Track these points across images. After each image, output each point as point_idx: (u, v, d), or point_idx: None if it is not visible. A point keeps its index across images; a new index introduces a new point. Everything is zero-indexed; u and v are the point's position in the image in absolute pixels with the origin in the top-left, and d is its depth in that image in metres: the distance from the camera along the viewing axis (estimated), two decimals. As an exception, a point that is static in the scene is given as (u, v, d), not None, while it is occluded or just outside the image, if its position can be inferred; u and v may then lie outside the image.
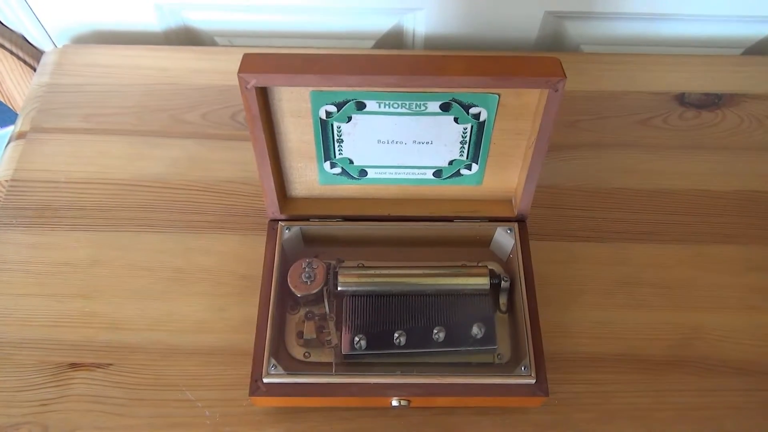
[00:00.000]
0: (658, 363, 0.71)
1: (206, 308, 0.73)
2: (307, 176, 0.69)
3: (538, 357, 0.66)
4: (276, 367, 0.65)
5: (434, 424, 0.70)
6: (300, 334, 0.66)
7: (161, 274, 0.76)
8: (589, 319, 0.73)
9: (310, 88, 0.62)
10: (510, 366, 0.65)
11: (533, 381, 0.65)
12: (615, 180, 0.84)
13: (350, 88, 0.61)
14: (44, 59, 1.00)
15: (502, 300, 0.72)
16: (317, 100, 0.64)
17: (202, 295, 0.74)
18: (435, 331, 0.65)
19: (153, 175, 0.83)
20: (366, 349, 0.64)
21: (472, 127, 0.64)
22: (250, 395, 0.65)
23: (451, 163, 0.67)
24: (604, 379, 0.69)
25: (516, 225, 0.72)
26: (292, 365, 0.65)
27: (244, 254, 0.77)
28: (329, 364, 0.65)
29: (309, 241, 0.72)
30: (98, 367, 0.71)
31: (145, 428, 0.69)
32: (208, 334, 0.71)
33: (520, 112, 0.65)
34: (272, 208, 0.74)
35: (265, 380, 0.64)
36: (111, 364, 0.70)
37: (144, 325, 0.72)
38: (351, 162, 0.67)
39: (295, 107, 0.64)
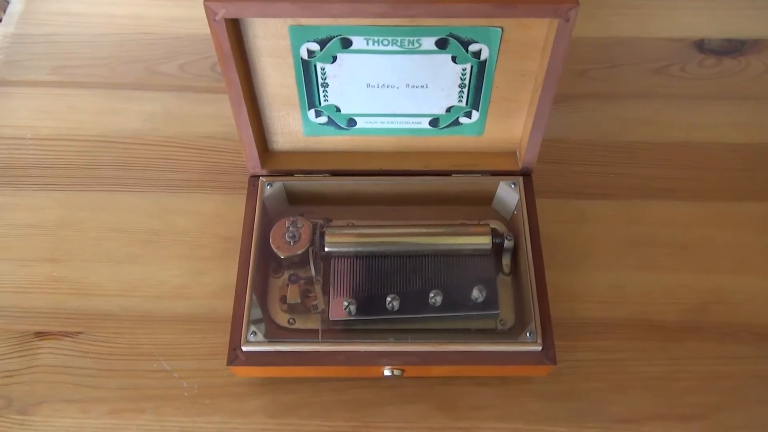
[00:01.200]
0: (674, 329, 0.66)
1: (184, 272, 0.69)
2: (290, 126, 0.63)
3: (544, 322, 0.60)
4: (256, 334, 0.59)
5: (430, 395, 0.64)
6: (284, 299, 0.61)
7: (136, 237, 0.71)
8: (599, 283, 0.68)
9: (288, 21, 0.55)
10: (514, 332, 0.61)
11: (539, 348, 0.59)
12: (627, 133, 0.78)
13: (334, 21, 0.54)
14: (10, 8, 0.93)
15: (506, 261, 0.66)
16: (297, 37, 0.57)
17: (180, 258, 0.69)
18: (431, 294, 0.60)
19: (127, 131, 0.79)
20: (356, 314, 0.60)
21: (471, 67, 0.57)
22: (228, 364, 0.59)
23: (448, 110, 0.61)
24: (616, 346, 0.65)
25: (520, 179, 0.66)
26: (275, 332, 0.60)
27: (226, 215, 0.72)
28: (315, 331, 0.61)
29: (293, 198, 0.67)
30: (67, 336, 0.66)
31: (117, 400, 0.64)
32: (186, 300, 0.67)
33: (525, 48, 0.58)
34: (252, 162, 0.67)
35: (244, 348, 0.59)
36: (80, 333, 0.66)
37: (117, 290, 0.68)
38: (338, 110, 0.61)
39: (273, 45, 0.57)
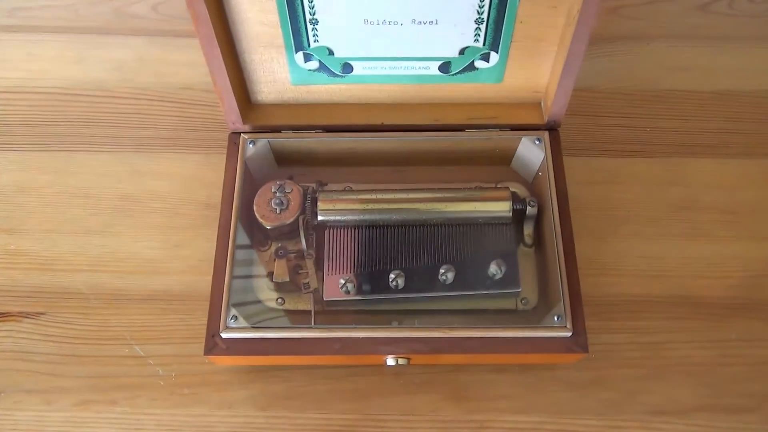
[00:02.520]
0: (722, 307, 0.59)
1: (160, 244, 0.62)
2: (275, 73, 0.56)
3: (574, 303, 0.51)
4: (237, 318, 0.51)
5: (440, 384, 0.57)
6: (271, 276, 0.55)
7: (104, 203, 0.64)
8: (634, 253, 0.61)
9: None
10: (538, 314, 0.54)
11: (569, 334, 0.50)
12: (666, 80, 0.70)
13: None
14: (-41, -58, 0.81)
15: (527, 230, 0.57)
16: (278, -40, 0.46)
17: (155, 228, 0.63)
18: (442, 270, 0.53)
19: (93, 82, 0.71)
20: (354, 294, 0.53)
21: (491, -3, 0.47)
22: (205, 353, 0.51)
23: (462, 52, 0.52)
24: (653, 327, 0.58)
25: (546, 134, 0.57)
26: (260, 315, 0.54)
27: (208, 178, 0.65)
28: (307, 313, 0.54)
29: (281, 158, 0.61)
30: (27, 317, 0.59)
31: (85, 391, 0.57)
32: (163, 275, 0.61)
33: (558, -27, 0.47)
34: (231, 117, 0.58)
35: (223, 335, 0.51)
36: (42, 313, 0.59)
37: (83, 265, 0.61)
38: (330, 52, 0.51)
39: (249, -30, 0.47)
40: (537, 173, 0.59)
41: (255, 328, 0.51)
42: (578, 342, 0.51)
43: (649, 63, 0.71)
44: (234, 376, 0.57)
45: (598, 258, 0.62)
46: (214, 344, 0.51)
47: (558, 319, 0.51)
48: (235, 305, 0.52)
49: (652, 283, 0.60)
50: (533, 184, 0.61)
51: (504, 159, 0.62)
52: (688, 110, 0.69)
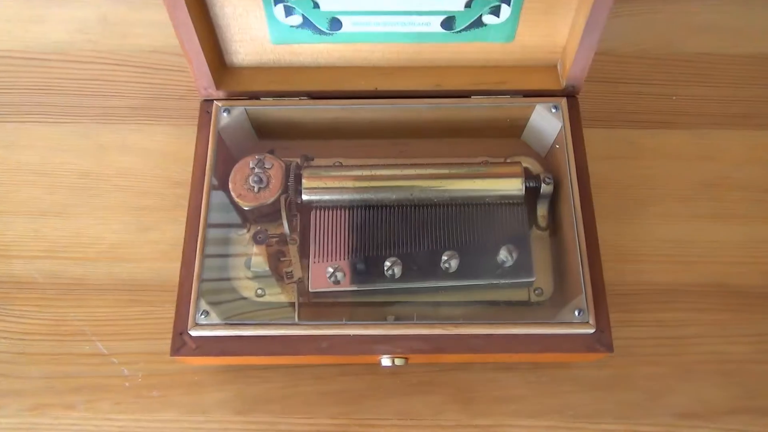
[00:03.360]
0: (757, 296, 0.54)
1: (125, 227, 0.57)
2: (252, 30, 0.50)
3: (597, 295, 0.45)
4: (208, 314, 0.44)
5: (442, 384, 0.52)
6: (249, 264, 0.50)
7: (62, 181, 0.59)
8: (659, 237, 0.56)
9: None
10: (554, 306, 0.49)
11: (591, 330, 0.44)
12: (694, 42, 0.64)
13: None
14: None
15: (542, 211, 0.51)
16: None
17: (120, 209, 0.58)
18: (444, 257, 0.48)
19: (51, 45, 0.64)
20: (344, 284, 0.48)
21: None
22: (172, 354, 0.45)
23: (468, 4, 0.48)
24: (681, 319, 0.53)
25: (564, 101, 0.50)
26: (236, 309, 0.48)
27: (179, 152, 0.60)
28: (291, 306, 0.49)
29: (261, 130, 0.55)
30: None
31: (42, 393, 0.51)
32: (128, 262, 0.55)
33: None
34: (203, 82, 0.50)
35: (192, 333, 0.44)
36: None
37: (38, 251, 0.56)
38: (316, 5, 0.46)
39: None
40: (553, 146, 0.52)
41: (229, 324, 0.44)
42: (602, 340, 0.45)
43: (675, 23, 0.65)
44: (208, 376, 0.52)
45: (618, 242, 0.56)
46: (182, 343, 0.45)
47: (579, 313, 0.44)
48: (206, 298, 0.45)
49: (680, 270, 0.55)
50: (548, 159, 0.54)
51: (515, 130, 0.55)
52: (719, 76, 0.63)
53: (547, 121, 0.52)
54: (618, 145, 0.60)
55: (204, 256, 0.46)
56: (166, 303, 0.53)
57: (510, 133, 0.55)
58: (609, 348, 0.45)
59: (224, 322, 0.44)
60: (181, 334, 0.45)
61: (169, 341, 0.47)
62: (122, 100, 0.62)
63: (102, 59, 0.64)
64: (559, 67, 0.53)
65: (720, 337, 0.53)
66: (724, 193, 0.58)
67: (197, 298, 0.45)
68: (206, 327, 0.44)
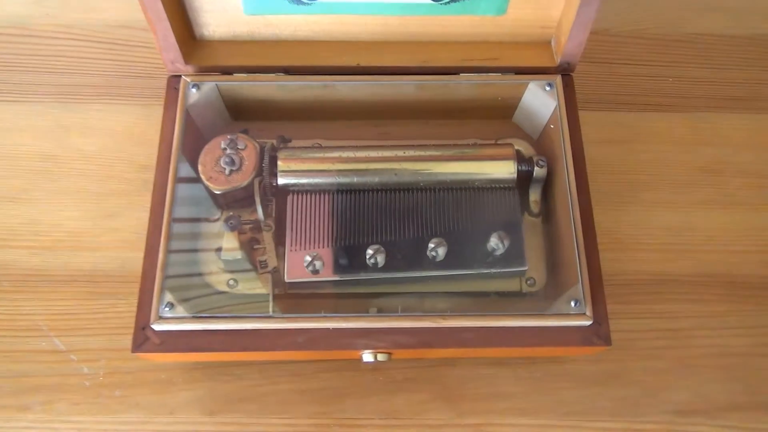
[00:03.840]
0: (760, 287, 0.52)
1: (87, 214, 0.53)
2: (225, 0, 0.45)
3: (594, 285, 0.42)
4: (173, 306, 0.40)
5: (428, 381, 0.49)
6: (220, 252, 0.46)
7: (19, 164, 0.55)
8: (657, 224, 0.54)
9: None
10: (547, 297, 0.46)
11: (588, 322, 0.41)
12: (693, 22, 0.62)
13: None
14: None
15: (534, 196, 0.48)
16: None
17: (82, 194, 0.54)
18: (431, 245, 0.45)
19: (9, 17, 0.60)
20: (323, 274, 0.45)
21: None
22: (134, 350, 0.41)
23: None
24: (680, 311, 0.51)
25: (558, 79, 0.46)
26: (206, 301, 0.45)
27: (146, 134, 0.57)
28: (265, 298, 0.45)
29: (235, 109, 0.51)
30: None
31: None
32: (90, 251, 0.52)
33: None
34: (170, 55, 0.46)
35: (156, 327, 0.40)
36: None
37: None
38: None
39: None
40: (547, 126, 0.49)
41: (197, 318, 0.41)
42: (599, 333, 0.42)
43: (674, 2, 0.63)
44: (177, 374, 0.49)
45: (615, 229, 0.54)
46: (144, 338, 0.41)
47: (575, 304, 0.41)
48: (172, 290, 0.41)
49: (678, 259, 0.53)
50: (540, 142, 0.51)
51: (505, 110, 0.52)
52: (719, 58, 0.61)
53: (540, 100, 0.49)
54: (613, 128, 0.57)
55: (169, 243, 0.43)
56: (130, 295, 0.50)
57: (500, 114, 0.52)
58: (607, 341, 0.42)
59: (191, 315, 0.41)
60: (143, 328, 0.41)
61: (132, 333, 0.43)
62: (85, 78, 0.58)
63: (63, 34, 0.60)
64: (553, 43, 0.49)
65: (720, 329, 0.50)
66: (724, 179, 0.55)
67: (161, 289, 0.41)
68: (171, 320, 0.40)
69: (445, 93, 0.50)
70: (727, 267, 0.52)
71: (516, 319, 0.41)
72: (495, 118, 0.52)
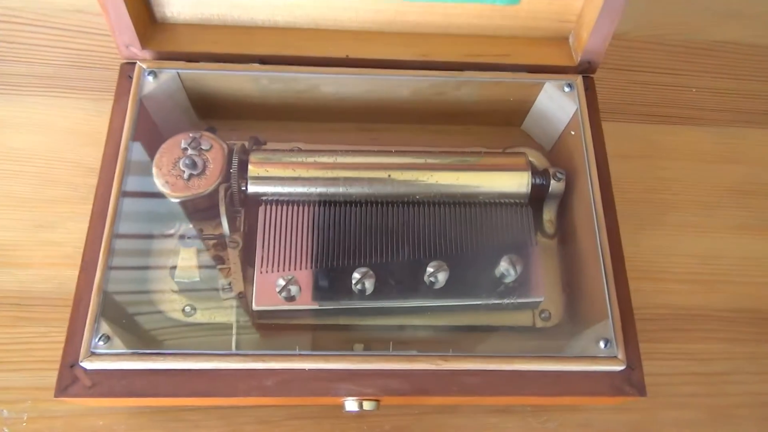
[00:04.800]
0: None
1: (18, 224, 0.46)
2: None
3: (626, 322, 0.35)
4: (109, 339, 0.32)
5: (422, 430, 0.41)
6: (174, 273, 0.38)
7: None
8: (683, 250, 0.48)
9: None
10: (563, 334, 0.39)
11: (621, 367, 0.34)
12: (716, 29, 0.57)
13: None
14: None
15: (548, 215, 0.41)
16: None
17: (14, 200, 0.47)
18: (429, 269, 0.38)
19: None
20: (299, 301, 0.38)
21: None
22: (57, 394, 0.33)
23: None
24: (712, 351, 0.45)
25: (579, 79, 0.39)
26: (154, 333, 0.36)
27: (96, 132, 0.49)
28: (227, 329, 0.37)
29: (201, 105, 0.45)
30: None
31: None
32: (19, 268, 0.44)
33: None
34: (124, 37, 0.40)
35: (86, 365, 0.32)
36: None
37: None
38: None
39: None
40: (565, 133, 0.42)
41: (137, 354, 0.33)
42: (632, 380, 0.35)
43: (696, 7, 0.58)
44: (117, 419, 0.41)
45: (635, 255, 0.48)
46: (72, 379, 0.33)
47: (605, 345, 0.34)
48: (110, 317, 0.33)
49: (708, 291, 0.47)
50: (554, 153, 0.44)
51: (514, 116, 0.46)
52: (746, 68, 0.56)
53: (557, 104, 0.42)
54: (630, 141, 0.51)
55: (110, 259, 0.35)
56: (66, 322, 0.40)
57: (508, 121, 0.46)
58: (641, 390, 0.35)
59: (131, 351, 0.33)
60: (71, 366, 0.33)
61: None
62: (29, 67, 0.51)
63: (7, 17, 0.52)
64: (571, 39, 0.43)
65: (759, 374, 0.44)
66: (757, 201, 0.50)
67: (96, 317, 0.33)
68: (106, 357, 0.32)
69: (446, 93, 0.43)
70: (764, 301, 0.45)
71: (532, 362, 0.34)
72: (501, 125, 0.46)
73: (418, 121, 0.46)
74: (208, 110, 0.44)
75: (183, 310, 0.38)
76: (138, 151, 0.39)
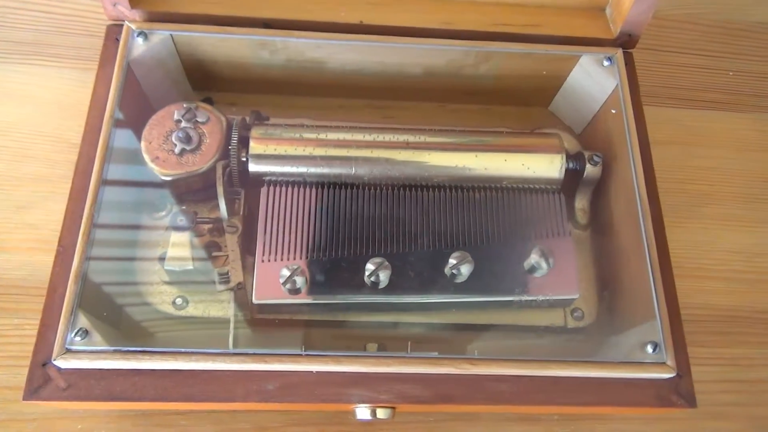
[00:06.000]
0: None
1: None
2: None
3: (675, 324, 0.31)
4: (87, 334, 0.28)
5: None
6: (164, 260, 0.34)
7: None
8: (723, 246, 0.45)
9: None
10: (598, 335, 0.35)
11: (671, 374, 0.30)
12: (758, 9, 0.53)
13: None
14: None
15: (581, 203, 0.37)
16: None
17: None
18: (452, 261, 0.34)
19: None
20: (304, 294, 0.33)
21: None
22: (26, 397, 0.28)
23: None
24: (753, 356, 0.41)
25: (620, 53, 0.35)
26: (141, 328, 0.33)
27: (81, 105, 0.42)
28: (224, 324, 0.33)
29: (197, 75, 0.41)
30: None
31: None
32: None
33: None
34: (110, -8, 0.34)
35: (60, 364, 0.28)
36: None
37: None
38: None
39: None
40: (601, 113, 0.38)
41: (120, 352, 0.28)
42: (680, 389, 0.31)
43: None
44: (97, 422, 0.37)
45: (671, 250, 0.42)
46: (44, 379, 0.28)
47: (654, 349, 0.30)
48: (88, 309, 0.29)
49: (751, 289, 0.44)
50: (584, 136, 0.40)
51: (540, 94, 0.42)
52: None
53: (593, 80, 0.38)
54: (664, 127, 0.47)
55: (89, 245, 0.30)
56: (40, 313, 0.36)
57: (532, 100, 0.42)
58: (690, 401, 0.31)
59: (112, 348, 0.28)
60: (43, 365, 0.29)
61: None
62: (9, 33, 0.46)
63: (-17, -22, 0.47)
64: (608, 10, 0.39)
65: (808, 383, 0.40)
66: (802, 193, 0.45)
67: (73, 309, 0.29)
68: (83, 355, 0.28)
69: (466, 67, 0.39)
70: (814, 302, 0.42)
71: (570, 367, 0.30)
72: (525, 105, 0.42)
73: (435, 99, 0.42)
74: (204, 80, 0.40)
75: (173, 302, 0.34)
76: (125, 123, 0.34)
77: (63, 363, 0.28)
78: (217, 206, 0.35)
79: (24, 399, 0.29)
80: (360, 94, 0.41)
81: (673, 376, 0.30)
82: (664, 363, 0.30)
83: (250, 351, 0.30)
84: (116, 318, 0.31)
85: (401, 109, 0.42)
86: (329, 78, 0.40)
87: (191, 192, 0.35)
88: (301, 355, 0.30)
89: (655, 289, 0.31)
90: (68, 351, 0.28)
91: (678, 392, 0.31)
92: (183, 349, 0.29)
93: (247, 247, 0.35)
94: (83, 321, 0.29)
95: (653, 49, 0.50)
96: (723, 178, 0.46)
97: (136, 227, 0.35)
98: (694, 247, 0.43)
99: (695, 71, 0.50)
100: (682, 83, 0.49)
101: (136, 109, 0.36)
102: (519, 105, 0.42)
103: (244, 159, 0.35)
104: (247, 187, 0.35)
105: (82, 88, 0.45)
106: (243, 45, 0.37)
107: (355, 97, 0.41)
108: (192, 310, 0.34)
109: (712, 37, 0.51)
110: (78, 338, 0.28)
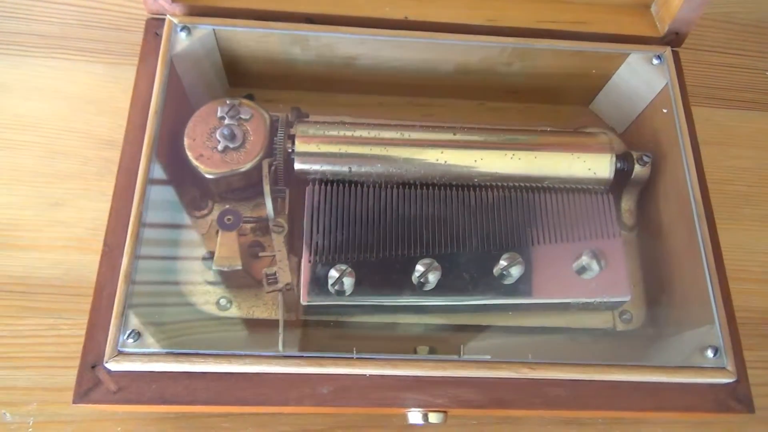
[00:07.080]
0: None
1: (24, 201, 0.41)
2: None
3: (732, 328, 0.31)
4: (139, 336, 0.27)
5: None
6: (210, 260, 0.34)
7: None
8: (762, 248, 0.44)
9: None
10: (647, 338, 0.35)
11: (731, 379, 0.29)
12: None
13: None
14: None
15: (627, 204, 0.37)
16: None
17: (19, 174, 0.42)
18: (502, 263, 0.33)
19: None
20: (354, 295, 0.33)
21: None
22: (76, 400, 0.28)
23: None
24: None
25: (668, 51, 0.35)
26: (187, 330, 0.32)
27: (112, 100, 0.44)
28: (272, 325, 0.32)
29: (235, 70, 0.40)
30: None
31: None
32: (24, 251, 0.39)
33: None
34: (152, -15, 0.34)
35: (112, 366, 0.27)
36: None
37: None
38: None
39: None
40: (642, 113, 0.38)
41: (172, 354, 0.27)
42: (738, 394, 0.30)
43: None
44: (136, 424, 0.36)
45: None
46: (94, 382, 0.28)
47: (714, 354, 0.29)
48: (139, 311, 0.28)
49: None
50: (627, 135, 0.39)
51: (582, 93, 0.42)
52: None
53: (641, 78, 0.37)
54: (701, 127, 0.46)
55: (138, 246, 0.29)
56: (77, 313, 0.37)
57: (574, 98, 0.41)
58: (749, 406, 0.30)
59: (165, 350, 0.27)
60: (93, 367, 0.28)
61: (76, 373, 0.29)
62: (35, 25, 0.46)
63: (9, -31, 0.46)
64: (654, 8, 0.38)
65: None
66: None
67: (123, 312, 0.28)
68: (136, 357, 0.27)
69: (512, 65, 0.38)
70: None
71: (629, 372, 0.30)
72: (565, 104, 0.41)
73: (472, 97, 0.41)
74: (241, 76, 0.39)
75: (218, 303, 0.33)
76: (167, 120, 0.34)
77: (114, 365, 0.27)
78: (259, 205, 0.34)
79: (74, 402, 0.28)
80: (399, 92, 0.40)
81: (732, 381, 0.30)
82: (724, 368, 0.30)
83: (305, 354, 0.29)
84: (165, 320, 0.30)
85: (440, 106, 0.41)
86: (368, 74, 0.39)
87: (236, 190, 0.34)
88: (354, 357, 0.29)
89: (713, 293, 0.31)
90: (120, 353, 0.27)
91: (736, 397, 0.30)
92: (237, 352, 0.28)
93: (295, 248, 0.34)
94: (134, 322, 0.28)
95: (689, 49, 0.49)
96: (761, 179, 0.45)
97: (178, 226, 0.34)
98: (733, 249, 0.43)
99: (730, 71, 0.49)
100: (717, 83, 0.49)
101: (178, 105, 0.35)
102: (558, 103, 0.42)
103: (290, 157, 0.34)
104: (292, 186, 0.34)
105: (113, 83, 0.45)
106: (284, 40, 0.36)
107: (393, 94, 0.41)
108: (237, 312, 0.33)
109: (748, 36, 0.51)
110: (131, 340, 0.28)
